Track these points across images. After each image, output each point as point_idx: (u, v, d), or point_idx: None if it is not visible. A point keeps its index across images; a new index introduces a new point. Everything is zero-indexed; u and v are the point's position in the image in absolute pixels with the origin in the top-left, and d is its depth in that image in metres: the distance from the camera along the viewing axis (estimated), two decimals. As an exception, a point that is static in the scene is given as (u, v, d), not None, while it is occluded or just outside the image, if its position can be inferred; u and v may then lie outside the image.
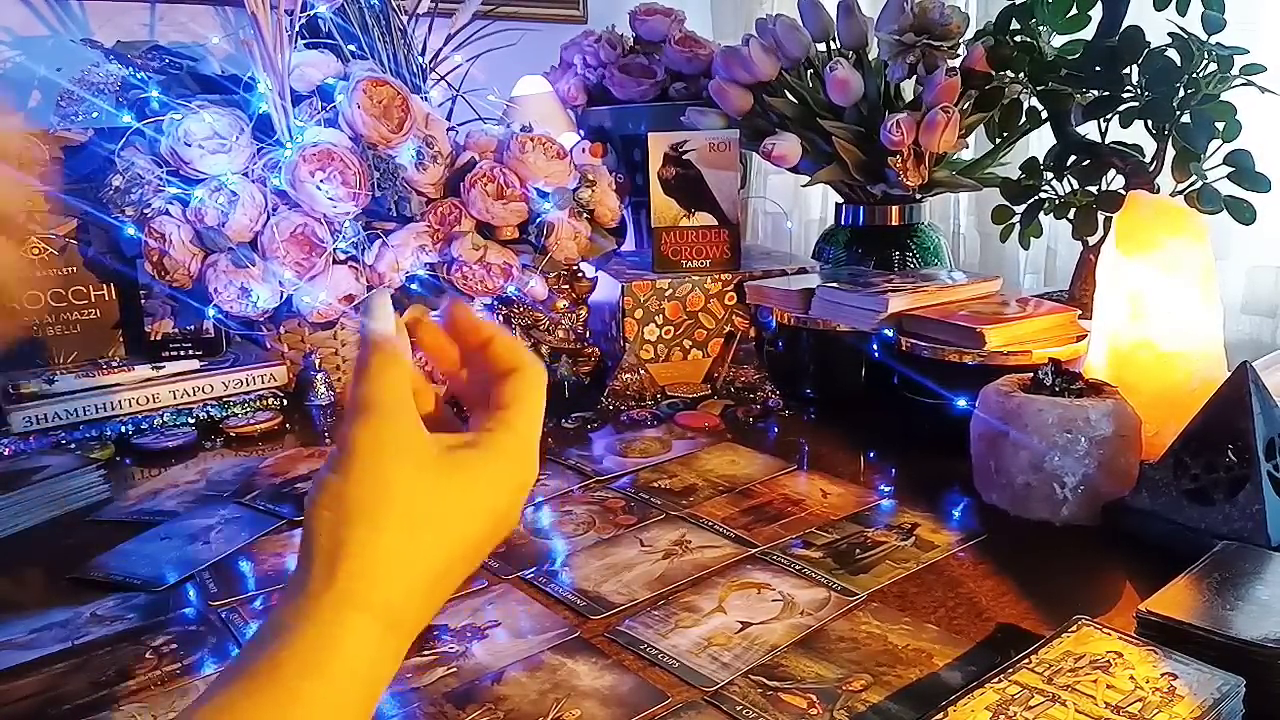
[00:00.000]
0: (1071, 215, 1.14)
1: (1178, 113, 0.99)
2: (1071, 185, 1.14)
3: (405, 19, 1.25)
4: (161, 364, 1.07)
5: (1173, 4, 0.99)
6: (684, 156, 1.18)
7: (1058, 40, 1.14)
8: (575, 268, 1.17)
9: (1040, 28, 1.12)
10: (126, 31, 1.35)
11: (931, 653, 0.59)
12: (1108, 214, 1.09)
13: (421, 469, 0.40)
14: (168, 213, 1.02)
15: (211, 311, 1.04)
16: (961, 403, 0.89)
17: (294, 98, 1.07)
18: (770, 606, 0.65)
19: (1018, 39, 1.13)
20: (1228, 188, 0.99)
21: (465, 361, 0.46)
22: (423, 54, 1.29)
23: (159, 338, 1.10)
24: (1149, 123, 1.04)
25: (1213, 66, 0.97)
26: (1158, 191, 1.03)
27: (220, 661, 0.60)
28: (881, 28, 1.20)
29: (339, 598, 0.37)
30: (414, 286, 1.09)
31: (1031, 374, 0.81)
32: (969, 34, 1.25)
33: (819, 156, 1.27)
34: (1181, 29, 0.98)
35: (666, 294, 1.16)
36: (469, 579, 0.64)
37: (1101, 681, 0.50)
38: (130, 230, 1.03)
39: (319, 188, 1.00)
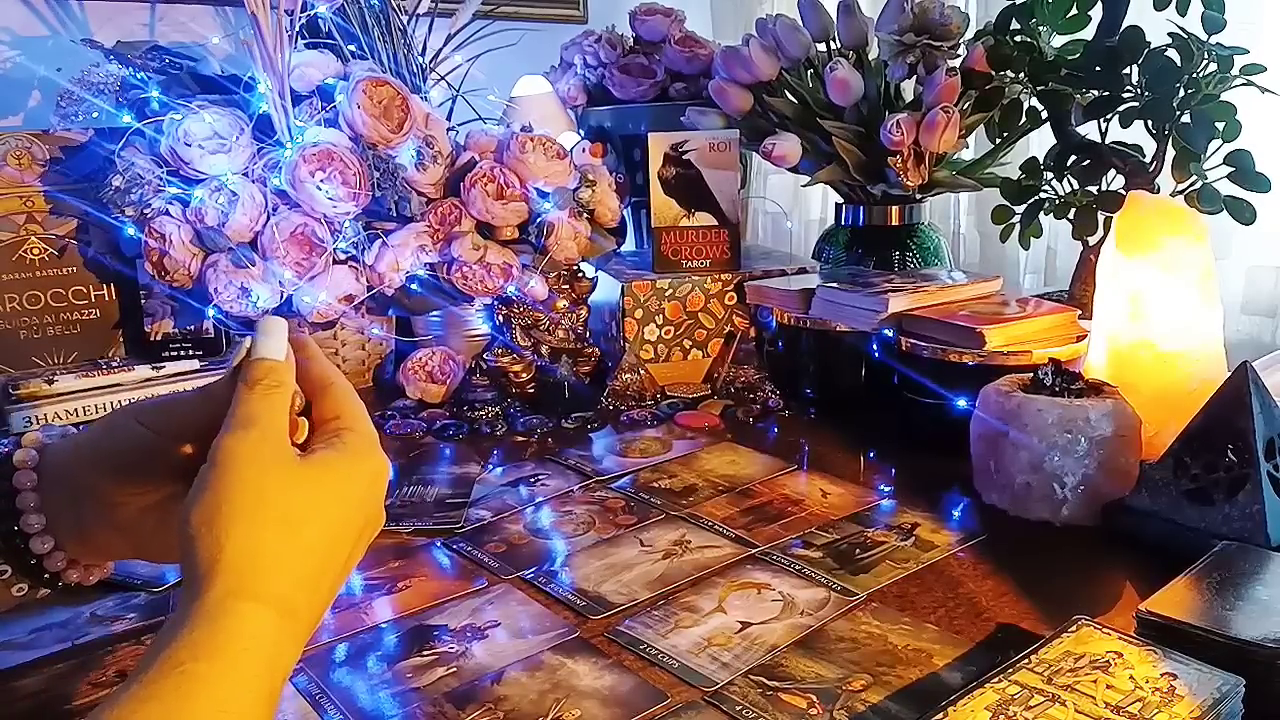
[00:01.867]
0: (1071, 215, 1.14)
1: (1178, 113, 0.99)
2: (1071, 185, 1.14)
3: (405, 19, 1.25)
4: (161, 364, 1.07)
5: (1173, 4, 0.99)
6: (684, 156, 1.18)
7: (1058, 40, 1.13)
8: (575, 268, 1.17)
9: (1040, 28, 1.12)
10: (126, 31, 1.35)
11: (931, 653, 0.59)
12: (1108, 214, 1.09)
13: (290, 473, 0.43)
14: (168, 213, 1.02)
15: (211, 311, 1.04)
16: (961, 403, 0.89)
17: (294, 98, 1.07)
18: (770, 606, 0.65)
19: (1018, 39, 1.13)
20: (1228, 188, 0.99)
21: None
22: (423, 54, 1.29)
23: (159, 338, 1.10)
24: (1149, 123, 1.03)
25: (1213, 66, 0.97)
26: (1158, 191, 1.03)
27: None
28: (881, 28, 1.20)
29: (224, 592, 0.39)
30: (414, 286, 1.09)
31: (1031, 374, 0.81)
32: (969, 34, 1.25)
33: (819, 156, 1.27)
34: (1181, 29, 0.98)
35: (666, 294, 1.16)
36: (456, 573, 0.64)
37: (1101, 681, 0.50)
38: (130, 230, 1.03)
39: (319, 188, 1.00)
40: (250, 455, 0.42)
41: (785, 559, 0.72)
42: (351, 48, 1.17)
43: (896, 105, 1.24)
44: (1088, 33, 1.09)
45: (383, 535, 0.52)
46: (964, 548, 0.74)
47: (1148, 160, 1.06)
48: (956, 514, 0.81)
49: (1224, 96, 0.98)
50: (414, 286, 1.09)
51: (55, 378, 1.01)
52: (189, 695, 0.36)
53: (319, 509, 0.43)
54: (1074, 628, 0.55)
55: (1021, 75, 1.16)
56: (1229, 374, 0.71)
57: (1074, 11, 1.09)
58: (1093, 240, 1.13)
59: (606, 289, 1.21)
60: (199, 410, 0.47)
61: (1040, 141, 1.38)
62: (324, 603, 0.45)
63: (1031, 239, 1.20)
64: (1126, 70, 1.03)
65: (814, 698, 0.55)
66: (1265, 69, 0.98)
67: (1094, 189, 1.12)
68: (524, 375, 1.12)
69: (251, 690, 0.38)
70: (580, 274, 1.19)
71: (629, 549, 0.75)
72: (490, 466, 0.94)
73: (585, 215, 1.16)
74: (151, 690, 0.36)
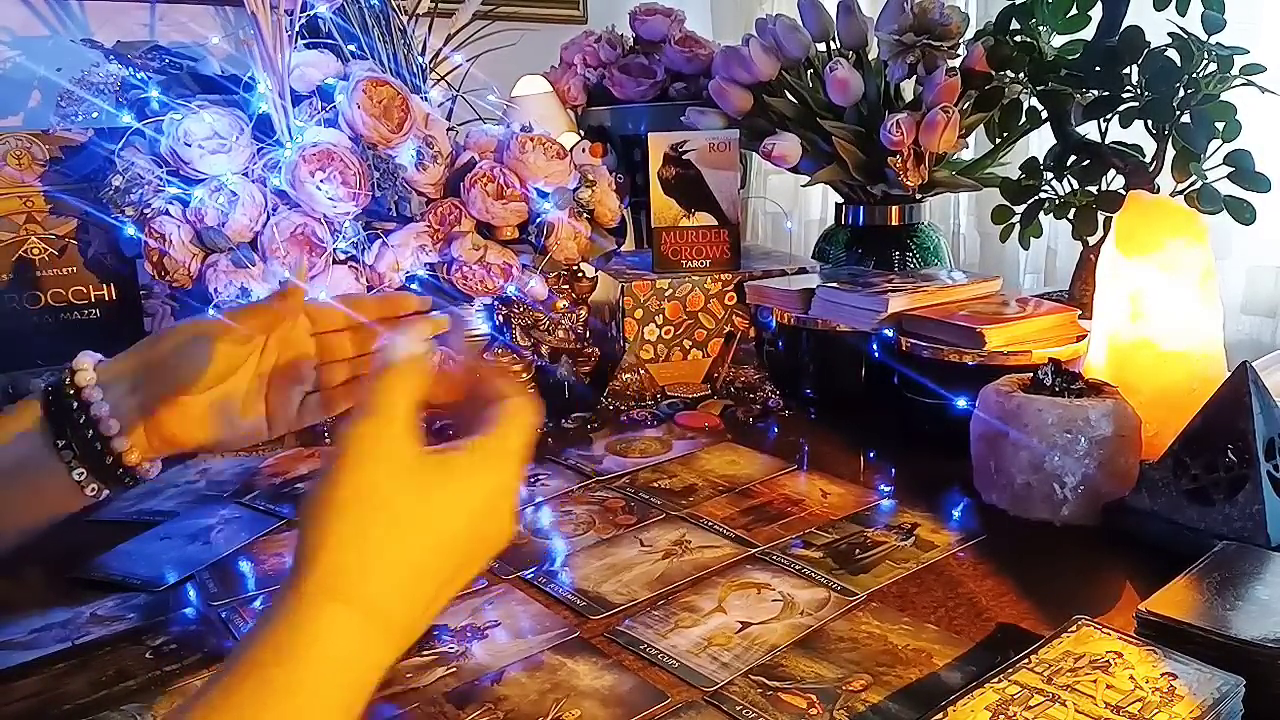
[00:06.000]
0: (1071, 215, 1.14)
1: (1178, 113, 0.99)
2: (1071, 185, 1.14)
3: (405, 19, 1.25)
4: (161, 364, 1.07)
5: (1173, 4, 0.99)
6: (684, 156, 1.18)
7: (1058, 40, 1.14)
8: (575, 268, 1.17)
9: (1040, 28, 1.12)
10: (126, 31, 1.35)
11: (931, 653, 0.59)
12: (1108, 214, 1.09)
13: (406, 469, 0.41)
14: (168, 213, 1.02)
15: (212, 311, 1.03)
16: (961, 403, 0.89)
17: (294, 98, 1.07)
18: (770, 606, 0.65)
19: (1018, 39, 1.13)
20: (1228, 188, 0.99)
21: (461, 398, 0.49)
22: (423, 54, 1.29)
23: (159, 338, 1.09)
24: (1149, 123, 1.04)
25: (1213, 66, 0.97)
26: (1158, 191, 1.03)
27: (220, 662, 0.60)
28: (881, 28, 1.20)
29: (316, 588, 0.38)
30: (414, 286, 1.08)
31: (1031, 374, 0.81)
32: (969, 34, 1.25)
33: (819, 156, 1.27)
34: (1181, 29, 0.98)
35: (666, 294, 1.16)
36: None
37: (1101, 681, 0.50)
38: (130, 230, 1.03)
39: (319, 188, 1.00)
40: (370, 445, 0.41)
41: (785, 559, 0.72)
42: (351, 48, 1.17)
43: (896, 105, 1.24)
44: (1088, 33, 1.09)
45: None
46: (964, 548, 0.74)
47: (1148, 160, 1.06)
48: (956, 514, 0.81)
49: (1224, 96, 0.98)
50: (414, 286, 1.09)
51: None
52: (264, 702, 0.35)
53: (428, 514, 0.41)
54: (1074, 628, 0.55)
55: (1021, 75, 1.16)
56: (1229, 374, 0.71)
57: (1074, 11, 1.09)
58: (1093, 240, 1.13)
59: (606, 289, 1.21)
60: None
61: (1040, 141, 1.38)
62: (423, 615, 0.42)
63: (1031, 239, 1.20)
64: (1126, 70, 1.03)
65: (814, 698, 0.55)
66: (1265, 69, 0.98)
67: (1094, 189, 1.12)
68: (524, 375, 1.12)
69: (328, 700, 0.37)
70: (580, 274, 1.19)
71: (629, 549, 0.75)
72: (490, 466, 0.94)
73: (585, 215, 1.16)
74: (228, 693, 0.35)
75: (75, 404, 0.59)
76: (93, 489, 0.60)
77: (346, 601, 0.38)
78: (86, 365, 0.60)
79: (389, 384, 0.43)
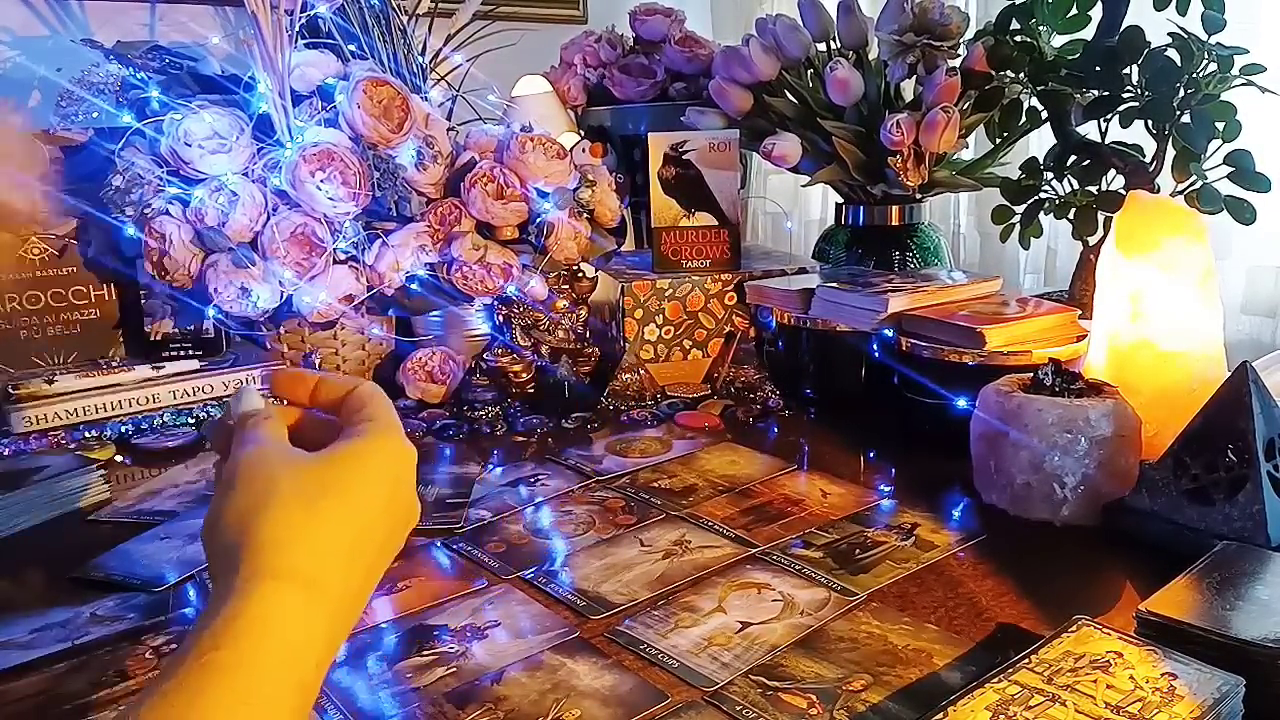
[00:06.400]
0: (1071, 215, 1.14)
1: (1178, 113, 0.99)
2: (1071, 185, 1.14)
3: (405, 19, 1.25)
4: (161, 364, 1.07)
5: (1173, 4, 0.99)
6: (684, 156, 1.18)
7: (1058, 40, 1.14)
8: (575, 268, 1.17)
9: (1040, 28, 1.12)
10: (126, 31, 1.35)
11: (931, 653, 0.59)
12: (1108, 214, 1.09)
13: (301, 462, 0.44)
14: (168, 213, 1.02)
15: (211, 311, 1.04)
16: (961, 403, 0.89)
17: (294, 98, 1.07)
18: (770, 606, 0.65)
19: (1018, 39, 1.13)
20: (1228, 188, 0.99)
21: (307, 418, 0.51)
22: (423, 54, 1.29)
23: (159, 338, 1.10)
24: (1149, 123, 1.04)
25: (1213, 66, 0.97)
26: (1158, 191, 1.03)
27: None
28: (881, 28, 1.20)
29: (248, 573, 0.39)
30: (414, 286, 1.09)
31: (1031, 374, 0.81)
32: (969, 34, 1.25)
33: (819, 156, 1.27)
34: (1181, 29, 0.98)
35: (666, 294, 1.16)
36: (456, 573, 0.64)
37: (1101, 681, 0.50)
38: (130, 230, 1.03)
39: (319, 188, 1.00)
40: (256, 462, 0.43)
41: (785, 559, 0.72)
42: (351, 48, 1.17)
43: (896, 105, 1.24)
44: (1088, 33, 1.09)
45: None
46: (964, 548, 0.74)
47: (1148, 160, 1.06)
48: (956, 514, 0.81)
49: (1224, 96, 0.98)
50: (414, 286, 1.09)
51: (55, 378, 1.01)
52: (210, 685, 0.35)
53: (336, 484, 0.43)
54: (1074, 628, 0.55)
55: (1021, 75, 1.16)
56: (1229, 374, 0.71)
57: (1074, 11, 1.09)
58: (1093, 240, 1.13)
59: (606, 289, 1.21)
60: None
61: (1040, 141, 1.38)
62: (361, 577, 0.44)
63: (1031, 239, 1.20)
64: (1126, 70, 1.03)
65: (814, 698, 0.55)
66: (1265, 69, 0.98)
67: (1094, 189, 1.12)
68: (524, 375, 1.12)
69: (276, 675, 0.37)
70: (580, 274, 1.19)
71: (629, 549, 0.75)
72: (490, 466, 0.94)
73: (585, 215, 1.16)
74: (176, 684, 0.36)
75: None
76: None
77: (276, 576, 0.39)
78: None
79: (250, 426, 0.46)
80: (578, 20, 1.91)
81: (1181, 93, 0.98)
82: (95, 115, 1.09)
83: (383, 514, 0.45)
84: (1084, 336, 0.95)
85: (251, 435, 0.45)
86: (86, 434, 1.00)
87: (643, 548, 0.75)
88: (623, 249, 1.32)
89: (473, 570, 0.72)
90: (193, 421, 1.05)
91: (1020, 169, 1.18)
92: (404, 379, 1.11)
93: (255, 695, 0.36)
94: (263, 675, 0.37)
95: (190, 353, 1.09)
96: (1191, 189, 1.00)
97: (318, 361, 1.13)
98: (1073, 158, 1.12)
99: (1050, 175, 1.15)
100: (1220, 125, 0.98)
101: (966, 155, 1.36)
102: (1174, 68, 0.98)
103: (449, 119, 1.26)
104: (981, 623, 0.63)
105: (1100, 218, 1.11)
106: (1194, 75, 0.98)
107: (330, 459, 0.45)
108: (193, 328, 1.09)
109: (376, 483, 0.45)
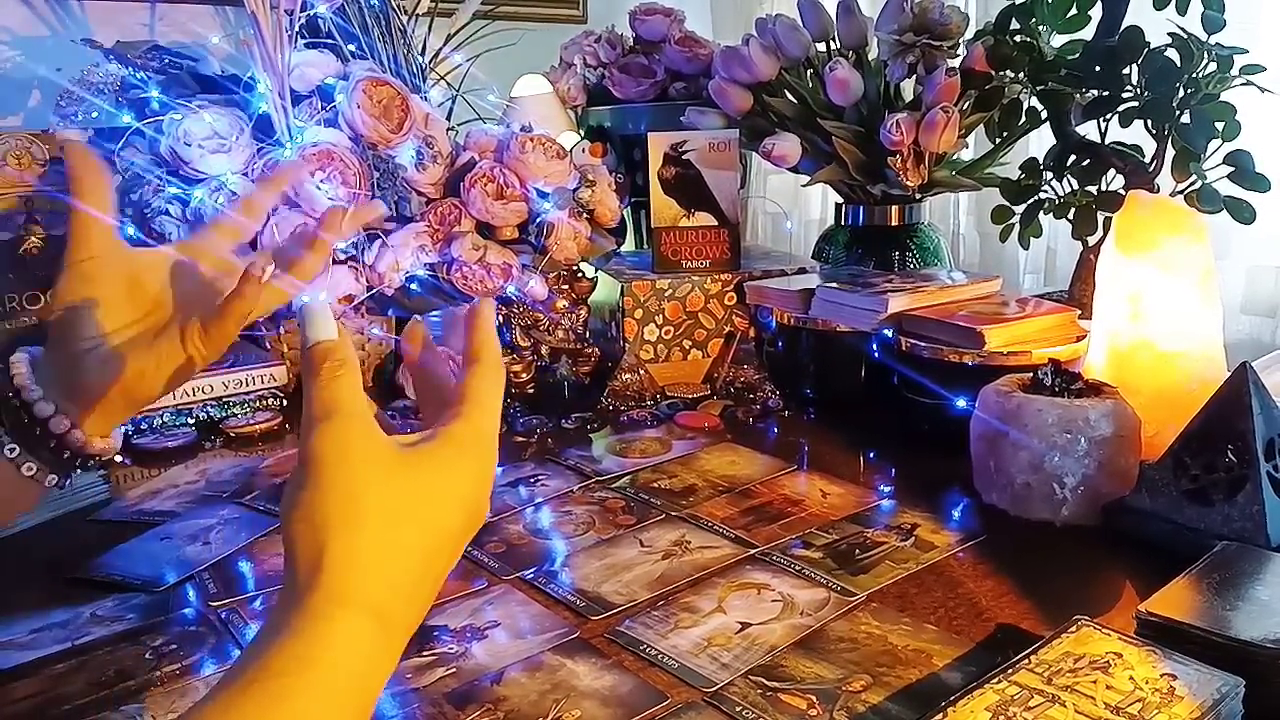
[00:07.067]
0: (1071, 215, 1.14)
1: (1177, 113, 0.99)
2: (1071, 185, 1.14)
3: (405, 19, 1.25)
4: (161, 364, 1.06)
5: (1173, 4, 0.99)
6: (684, 156, 1.18)
7: (1058, 40, 1.13)
8: (575, 268, 1.17)
9: (1040, 28, 1.12)
10: (126, 31, 1.35)
11: (931, 653, 0.59)
12: (1107, 214, 1.09)
13: (388, 468, 0.41)
14: (167, 213, 1.02)
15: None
16: (961, 403, 0.89)
17: (294, 98, 1.07)
18: (770, 607, 0.65)
19: (1018, 39, 1.13)
20: (1228, 188, 0.99)
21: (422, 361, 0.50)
22: (423, 54, 1.29)
23: (159, 338, 1.09)
24: (1149, 123, 1.04)
25: (1213, 66, 0.97)
26: (1158, 191, 1.03)
27: (220, 662, 0.60)
28: (881, 28, 1.20)
29: (325, 597, 0.38)
30: (414, 286, 1.09)
31: (1031, 374, 0.81)
32: (969, 34, 1.25)
33: (819, 156, 1.27)
34: (1181, 29, 0.98)
35: (666, 294, 1.16)
36: (456, 574, 0.64)
37: (1101, 682, 0.50)
38: (130, 230, 1.03)
39: (319, 188, 1.00)
40: (340, 450, 0.40)
41: (785, 559, 0.72)
42: (351, 48, 1.17)
43: (896, 105, 1.24)
44: (1088, 33, 1.09)
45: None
46: (964, 548, 0.74)
47: (1147, 160, 1.06)
48: (956, 514, 0.81)
49: (1224, 96, 0.98)
50: (414, 286, 1.09)
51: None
52: (274, 709, 0.35)
53: (420, 511, 0.41)
54: (1074, 628, 0.55)
55: (1021, 75, 1.16)
56: (1229, 374, 0.71)
57: (1074, 11, 1.09)
58: (1092, 240, 1.13)
59: (606, 289, 1.21)
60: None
61: (1040, 141, 1.38)
62: (420, 611, 0.42)
63: (1031, 239, 1.20)
64: (1126, 70, 1.03)
65: (814, 698, 0.55)
66: (1265, 69, 0.98)
67: (1094, 189, 1.12)
68: (524, 375, 1.12)
69: (340, 704, 0.37)
70: (580, 274, 1.19)
71: (629, 549, 0.75)
72: (490, 466, 0.94)
73: (585, 215, 1.16)
74: (240, 699, 0.35)
75: (9, 394, 0.57)
76: (52, 479, 0.59)
77: (354, 606, 0.38)
78: (21, 362, 0.58)
79: (328, 382, 0.41)
80: (578, 20, 1.91)
81: (1181, 93, 0.98)
82: (95, 115, 1.09)
83: (456, 539, 0.43)
84: (1084, 336, 0.95)
85: (329, 403, 0.41)
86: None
87: (643, 548, 0.75)
88: (623, 249, 1.33)
89: (472, 570, 0.72)
90: (192, 422, 1.05)
91: (1020, 169, 1.18)
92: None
93: (318, 718, 0.36)
94: (329, 702, 0.36)
95: (190, 353, 1.09)
96: (1191, 189, 1.00)
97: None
98: (1072, 158, 1.12)
99: (1050, 175, 1.15)
100: (1220, 125, 0.98)
101: (966, 155, 1.36)
102: (1174, 68, 0.98)
103: (449, 119, 1.26)
104: (981, 623, 0.63)
105: (1100, 218, 1.11)
106: (1194, 75, 0.98)
107: (418, 466, 0.41)
108: (193, 328, 1.09)
109: (458, 505, 0.42)
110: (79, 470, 0.61)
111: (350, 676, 0.37)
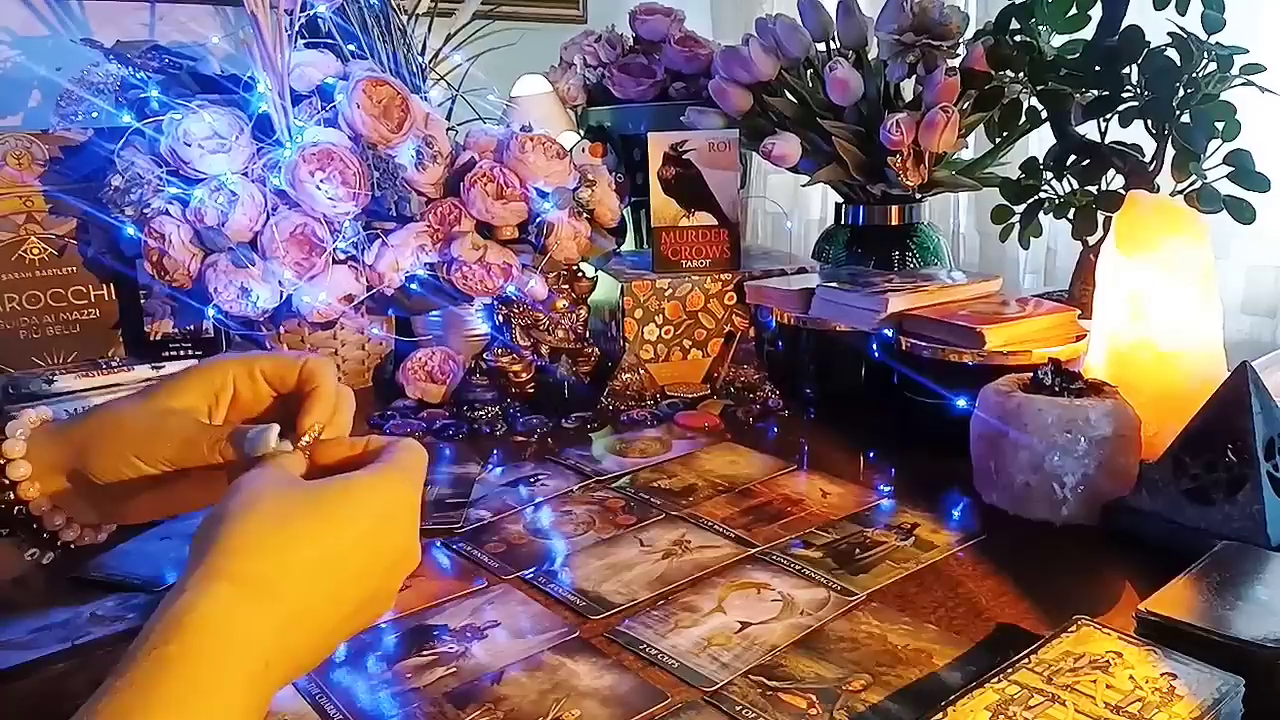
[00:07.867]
0: (1071, 215, 1.14)
1: (1178, 112, 0.99)
2: (1071, 185, 1.14)
3: (405, 19, 1.25)
4: (161, 364, 1.07)
5: (1173, 4, 0.99)
6: (684, 156, 1.18)
7: (1058, 40, 1.13)
8: (575, 268, 1.17)
9: (1040, 28, 1.11)
10: (126, 31, 1.35)
11: (931, 653, 0.59)
12: (1108, 214, 1.09)
13: (294, 486, 0.45)
14: (167, 213, 1.02)
15: (211, 311, 1.04)
16: (961, 403, 0.89)
17: (294, 98, 1.07)
18: (770, 606, 0.65)
19: (1018, 39, 1.13)
20: (1228, 188, 0.99)
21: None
22: (422, 54, 1.29)
23: (159, 338, 1.10)
24: (1149, 123, 1.03)
25: (1213, 66, 0.97)
26: (1158, 191, 1.03)
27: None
28: (881, 28, 1.20)
29: (205, 572, 0.40)
30: (414, 286, 1.09)
31: (1031, 374, 0.80)
32: (969, 34, 1.25)
33: (819, 156, 1.27)
34: (1181, 29, 0.98)
35: (666, 294, 1.16)
36: (456, 573, 0.64)
37: (1101, 681, 0.50)
38: (130, 230, 1.03)
39: (319, 188, 1.00)
40: (251, 479, 0.45)
41: (785, 559, 0.72)
42: (351, 48, 1.17)
43: (896, 105, 1.24)
44: (1088, 32, 1.09)
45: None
46: (964, 548, 0.74)
47: (1147, 160, 1.06)
48: (956, 514, 0.81)
49: (1224, 96, 0.98)
50: (414, 286, 1.09)
51: (55, 378, 1.01)
52: (161, 678, 0.37)
53: (315, 506, 0.44)
54: (1074, 628, 0.55)
55: (1021, 75, 1.16)
56: (1229, 374, 0.71)
57: (1074, 11, 1.09)
58: (1092, 240, 1.13)
59: (606, 289, 1.21)
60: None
61: (1040, 141, 1.38)
62: (324, 597, 0.43)
63: (1031, 239, 1.20)
64: (1126, 70, 1.03)
65: (814, 698, 0.55)
66: (1265, 69, 0.98)
67: (1094, 189, 1.12)
68: (524, 375, 1.12)
69: (225, 671, 0.38)
70: (580, 274, 1.19)
71: (629, 549, 0.75)
72: (490, 466, 0.94)
73: (585, 215, 1.16)
74: (128, 679, 0.37)
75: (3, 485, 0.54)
76: (32, 552, 0.58)
77: (230, 579, 0.40)
78: (18, 453, 0.54)
79: (254, 472, 0.46)
80: (578, 20, 1.91)
81: (1181, 92, 0.98)
82: (95, 115, 1.09)
83: (359, 542, 0.45)
84: (1084, 336, 0.95)
85: (265, 465, 0.47)
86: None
87: (642, 548, 0.75)
88: (623, 249, 1.32)
89: (472, 570, 0.72)
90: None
91: (1020, 169, 1.18)
92: (404, 379, 1.12)
93: (203, 686, 0.37)
94: (209, 667, 0.38)
95: (190, 353, 1.09)
96: (1191, 189, 1.00)
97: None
98: (1072, 158, 1.12)
99: (1050, 175, 1.15)
100: (1220, 125, 0.98)
101: (966, 155, 1.36)
102: (1174, 67, 0.98)
103: (449, 119, 1.26)
104: (981, 623, 0.63)
105: (1100, 218, 1.11)
106: (1194, 75, 0.98)
107: (322, 485, 0.45)
108: (192, 328, 1.09)
109: (360, 513, 0.45)
110: (59, 550, 0.58)
111: (228, 640, 0.39)
